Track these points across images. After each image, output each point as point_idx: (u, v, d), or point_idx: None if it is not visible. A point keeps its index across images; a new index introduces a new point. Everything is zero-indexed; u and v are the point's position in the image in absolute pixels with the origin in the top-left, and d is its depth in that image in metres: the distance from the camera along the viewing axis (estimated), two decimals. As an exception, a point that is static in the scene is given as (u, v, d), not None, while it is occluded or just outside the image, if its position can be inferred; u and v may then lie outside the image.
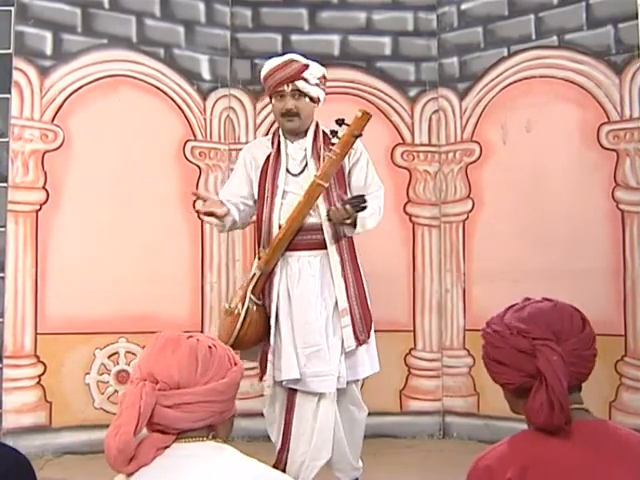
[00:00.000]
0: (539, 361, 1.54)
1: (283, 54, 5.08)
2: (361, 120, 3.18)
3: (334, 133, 3.20)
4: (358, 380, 3.35)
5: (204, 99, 5.03)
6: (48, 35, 4.56)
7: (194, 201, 4.93)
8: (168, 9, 4.93)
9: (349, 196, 3.31)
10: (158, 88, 4.88)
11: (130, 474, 1.60)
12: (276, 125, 3.55)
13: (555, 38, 4.75)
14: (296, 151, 3.40)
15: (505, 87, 4.94)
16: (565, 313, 1.62)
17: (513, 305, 1.69)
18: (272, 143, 3.48)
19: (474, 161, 5.05)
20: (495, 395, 5.31)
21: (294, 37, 5.18)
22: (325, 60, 5.11)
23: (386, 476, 3.90)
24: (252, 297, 3.23)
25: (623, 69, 4.50)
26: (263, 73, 3.49)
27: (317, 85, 3.40)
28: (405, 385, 5.01)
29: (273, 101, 3.45)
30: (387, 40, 5.20)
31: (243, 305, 3.21)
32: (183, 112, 4.96)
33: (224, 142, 5.07)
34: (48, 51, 4.56)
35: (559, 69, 4.73)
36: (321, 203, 3.26)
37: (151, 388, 1.59)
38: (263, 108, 5.11)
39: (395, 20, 5.21)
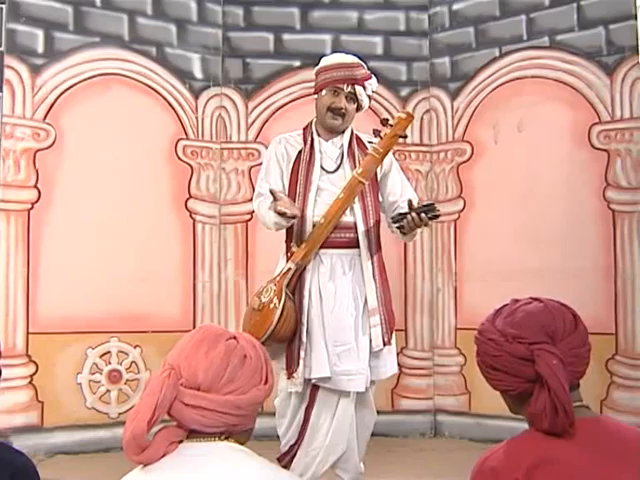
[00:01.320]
0: (539, 367, 1.54)
1: (275, 53, 5.18)
2: (405, 121, 3.19)
3: (377, 132, 3.19)
4: (374, 382, 3.35)
5: (196, 98, 5.03)
6: (40, 33, 4.55)
7: (186, 200, 4.95)
8: (160, 8, 4.93)
9: (380, 200, 3.33)
10: (150, 87, 4.88)
11: (144, 466, 1.58)
12: (308, 121, 3.45)
13: (546, 39, 4.78)
14: (331, 149, 3.37)
15: (497, 87, 4.97)
16: (556, 313, 1.61)
17: (502, 308, 1.66)
18: (304, 139, 3.39)
19: (465, 161, 5.07)
20: (486, 394, 5.31)
21: (286, 36, 5.18)
22: (317, 59, 5.11)
23: (380, 475, 3.90)
24: (288, 292, 3.21)
25: (614, 70, 4.53)
26: (324, 65, 3.40)
27: (369, 97, 3.39)
28: (397, 384, 5.01)
29: (323, 93, 3.32)
30: (379, 40, 5.22)
31: (280, 300, 3.15)
32: (175, 111, 4.95)
33: (216, 141, 5.07)
34: (40, 49, 4.55)
35: (550, 70, 4.76)
36: (356, 202, 3.26)
37: (175, 381, 1.56)
38: (255, 107, 5.12)
39: (387, 20, 5.23)
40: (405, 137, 3.27)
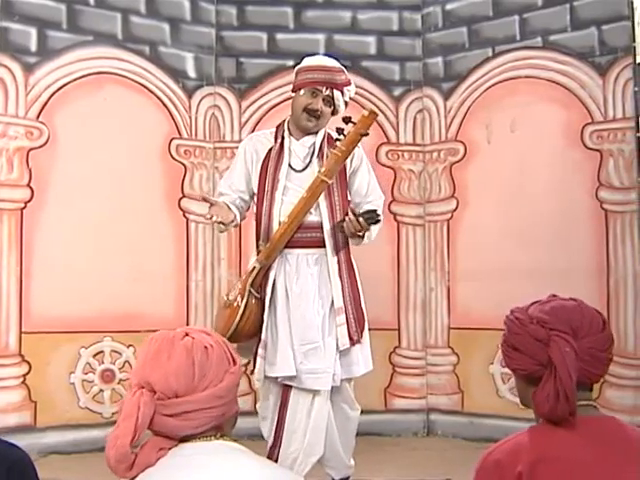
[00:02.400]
0: (552, 350, 1.58)
1: (268, 53, 5.18)
2: (367, 119, 3.19)
3: (340, 131, 3.20)
4: (351, 379, 3.36)
5: (189, 97, 5.02)
6: (33, 31, 4.52)
7: (179, 200, 4.94)
8: (153, 6, 4.91)
9: (349, 199, 3.35)
10: (143, 86, 4.86)
11: (134, 477, 1.58)
12: (280, 120, 3.49)
13: (539, 39, 4.80)
14: (300, 148, 3.39)
15: (490, 87, 4.98)
16: (587, 313, 1.65)
17: (539, 300, 1.72)
18: (275, 137, 3.43)
19: (458, 160, 5.08)
20: (479, 393, 5.36)
21: (279, 36, 5.18)
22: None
23: (373, 474, 3.91)
24: (252, 290, 3.23)
25: (607, 70, 4.55)
26: (308, 63, 3.42)
27: (346, 103, 3.41)
28: (390, 383, 5.03)
29: (301, 92, 3.35)
30: (372, 39, 5.22)
31: (243, 298, 3.20)
32: (168, 110, 4.94)
33: (209, 140, 5.07)
34: (33, 47, 4.53)
35: (543, 70, 4.78)
36: (322, 201, 3.27)
37: (149, 397, 1.55)
38: (248, 106, 5.12)
39: (380, 20, 5.23)
40: (367, 135, 3.25)
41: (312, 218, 3.29)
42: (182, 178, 4.95)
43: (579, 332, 1.61)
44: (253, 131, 5.10)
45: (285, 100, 5.09)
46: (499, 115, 4.91)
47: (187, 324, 4.86)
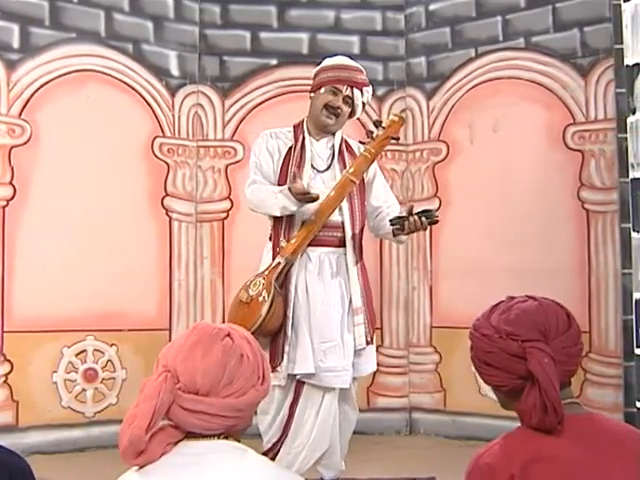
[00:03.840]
0: (531, 364, 1.55)
1: (252, 52, 5.18)
2: (397, 124, 3.27)
3: (370, 133, 3.25)
4: (356, 379, 3.39)
5: (172, 95, 5.00)
6: (15, 28, 4.49)
7: (162, 198, 4.93)
8: (137, 4, 4.89)
9: (366, 203, 3.39)
10: (126, 84, 4.84)
11: (140, 467, 1.57)
12: (299, 119, 3.47)
13: (522, 40, 4.84)
14: (322, 149, 3.41)
15: (472, 87, 5.02)
16: (550, 311, 1.63)
17: (497, 305, 1.69)
18: (295, 137, 3.42)
19: (441, 160, 5.12)
20: (461, 391, 5.38)
21: (263, 34, 5.18)
22: (294, 58, 5.17)
23: (358, 472, 3.91)
24: (276, 286, 3.22)
25: (589, 72, 4.61)
26: (330, 63, 3.45)
27: (364, 104, 3.43)
28: (372, 382, 5.03)
29: (322, 91, 3.36)
30: (355, 39, 5.24)
31: (269, 293, 3.17)
32: (152, 108, 4.92)
33: (192, 139, 5.05)
34: (15, 44, 4.50)
35: (526, 71, 4.82)
36: (344, 202, 3.30)
37: (172, 385, 1.53)
38: (231, 105, 5.11)
39: (363, 19, 5.25)
40: (397, 139, 3.36)
41: (335, 218, 3.31)
42: (165, 177, 4.94)
43: (548, 334, 1.59)
44: (236, 130, 5.12)
45: (269, 99, 5.13)
46: (482, 115, 4.95)
47: (170, 323, 4.86)
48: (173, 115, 5.00)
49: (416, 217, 3.15)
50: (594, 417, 1.65)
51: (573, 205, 4.61)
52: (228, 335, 1.60)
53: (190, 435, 1.58)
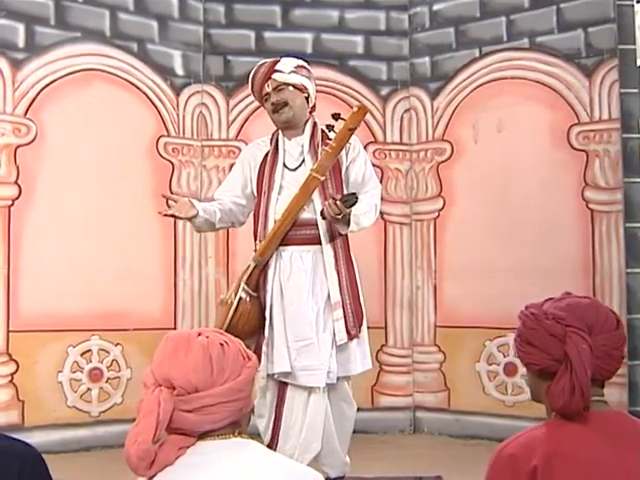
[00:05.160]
0: (568, 346, 1.60)
1: (256, 51, 5.19)
2: (357, 114, 3.25)
3: (330, 127, 3.26)
4: (349, 377, 3.38)
5: (177, 95, 5.00)
6: (20, 27, 4.48)
7: (166, 200, 4.91)
8: (142, 3, 4.89)
9: (345, 192, 3.34)
10: (131, 83, 4.84)
11: (153, 476, 1.59)
12: (267, 117, 3.55)
13: (526, 40, 4.85)
14: (293, 147, 3.44)
15: (476, 88, 5.03)
16: (601, 311, 1.68)
17: (553, 297, 1.73)
18: (271, 141, 3.50)
19: (445, 160, 5.12)
20: (465, 390, 5.39)
21: (267, 34, 5.19)
22: (298, 58, 5.15)
23: (360, 472, 3.91)
24: (246, 288, 3.25)
25: (593, 72, 4.62)
26: (249, 88, 3.57)
27: (294, 72, 3.43)
28: (376, 381, 5.05)
29: (266, 106, 3.49)
30: (359, 39, 5.25)
31: (236, 295, 3.23)
32: (156, 107, 4.92)
33: (197, 139, 5.06)
34: (20, 43, 4.49)
35: (530, 71, 4.83)
36: (316, 198, 3.30)
37: (168, 394, 1.56)
38: (236, 105, 5.12)
39: (367, 19, 5.26)
40: (354, 129, 3.30)
41: (306, 215, 3.32)
42: (170, 176, 4.94)
43: (594, 329, 1.63)
44: (241, 129, 5.13)
45: (273, 98, 5.12)
46: (486, 115, 4.96)
47: (175, 323, 4.87)
48: (178, 114, 5.00)
49: (330, 201, 3.15)
50: (621, 416, 1.68)
51: (577, 205, 4.62)
52: (199, 334, 1.65)
53: (203, 436, 1.60)
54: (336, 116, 3.25)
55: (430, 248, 5.13)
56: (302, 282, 3.29)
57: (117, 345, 4.70)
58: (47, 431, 4.41)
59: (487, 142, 4.96)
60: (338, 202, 3.13)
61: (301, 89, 3.44)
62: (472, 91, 5.04)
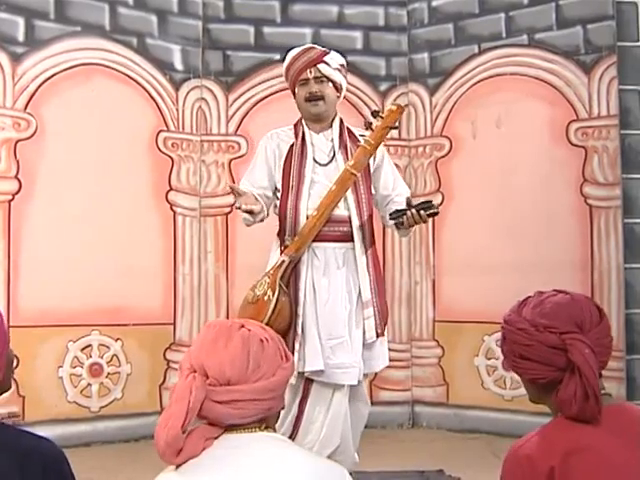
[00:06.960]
0: (573, 355, 1.57)
1: (255, 46, 5.18)
2: (395, 113, 3.23)
3: (368, 124, 3.22)
4: (367, 375, 3.39)
5: (176, 89, 5.00)
6: (20, 21, 4.47)
7: (166, 192, 4.93)
8: (141, -2, 4.89)
9: (373, 192, 3.34)
10: (131, 77, 4.84)
11: (179, 465, 1.59)
12: (298, 116, 3.45)
13: (525, 37, 4.87)
14: (322, 142, 3.38)
15: (475, 84, 5.05)
16: (584, 305, 1.66)
17: (526, 300, 1.70)
18: (296, 134, 3.40)
19: (444, 156, 5.14)
20: (464, 385, 5.41)
21: (266, 29, 5.18)
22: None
23: (360, 466, 3.91)
24: (282, 284, 3.21)
25: (592, 68, 4.64)
26: (285, 65, 3.44)
27: (338, 70, 3.39)
28: (375, 375, 5.01)
29: (297, 90, 3.37)
30: (358, 34, 5.25)
31: (274, 292, 3.15)
32: (156, 102, 4.92)
33: (196, 133, 5.05)
34: (20, 37, 4.48)
35: (529, 67, 4.85)
36: (349, 195, 3.27)
37: (202, 382, 1.56)
38: (235, 100, 5.11)
39: (366, 15, 5.26)
40: (396, 128, 3.32)
41: (340, 212, 3.26)
42: (169, 171, 4.93)
43: (584, 326, 1.61)
44: (240, 124, 5.12)
45: (272, 94, 5.12)
46: (485, 111, 4.98)
47: (174, 318, 4.87)
48: (177, 109, 4.99)
49: (414, 211, 3.11)
50: (626, 407, 1.68)
51: (576, 200, 4.65)
52: (242, 326, 1.64)
53: (230, 428, 1.60)
54: (375, 113, 3.22)
55: (428, 243, 5.15)
56: (337, 280, 3.24)
57: (117, 340, 4.70)
58: (47, 426, 4.37)
59: (486, 138, 4.98)
60: (422, 212, 3.10)
61: (338, 88, 3.41)
62: (471, 87, 5.06)
